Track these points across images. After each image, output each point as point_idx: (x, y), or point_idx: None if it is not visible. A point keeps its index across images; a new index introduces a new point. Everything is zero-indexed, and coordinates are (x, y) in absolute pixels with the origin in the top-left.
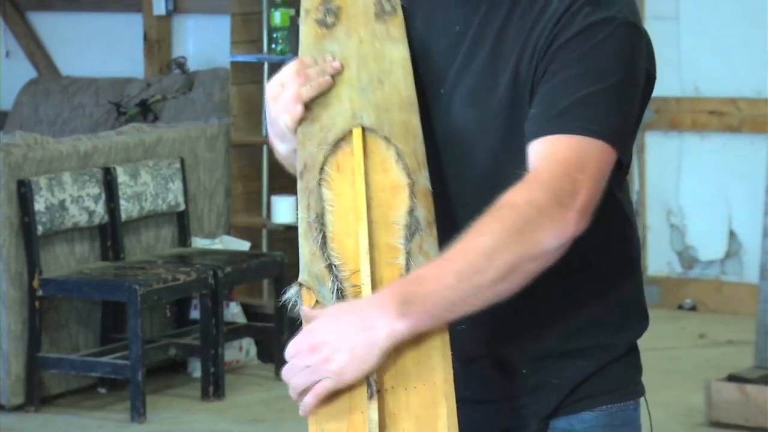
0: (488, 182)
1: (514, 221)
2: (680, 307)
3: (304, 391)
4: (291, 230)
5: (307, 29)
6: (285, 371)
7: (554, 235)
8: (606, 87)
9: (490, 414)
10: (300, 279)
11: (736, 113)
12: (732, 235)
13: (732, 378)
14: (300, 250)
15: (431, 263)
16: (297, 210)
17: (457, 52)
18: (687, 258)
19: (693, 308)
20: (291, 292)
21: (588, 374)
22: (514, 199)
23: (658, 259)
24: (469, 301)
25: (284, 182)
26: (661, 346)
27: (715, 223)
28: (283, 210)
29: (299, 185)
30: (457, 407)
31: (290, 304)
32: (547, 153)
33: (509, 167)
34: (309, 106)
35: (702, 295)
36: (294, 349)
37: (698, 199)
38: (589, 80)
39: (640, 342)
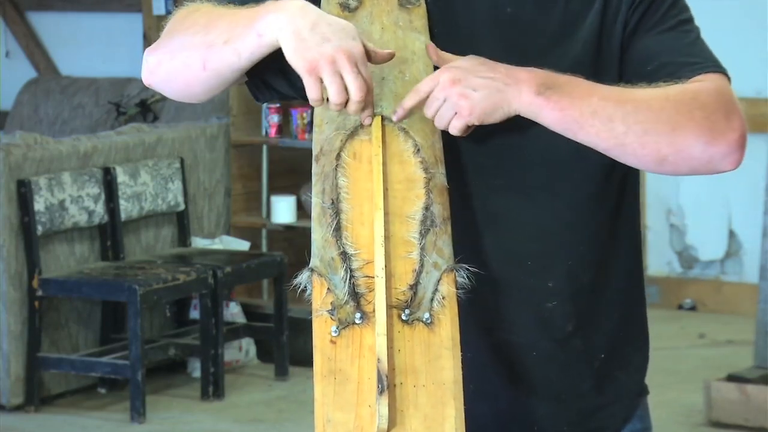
0: (569, 166)
1: (688, 104)
2: (680, 307)
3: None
4: (291, 230)
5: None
6: (429, 104)
7: (708, 144)
8: (695, 31)
9: None
10: (311, 264)
11: None
12: (732, 235)
13: (732, 378)
14: (312, 235)
15: (594, 83)
16: (296, 209)
17: (513, 32)
18: (687, 258)
19: (693, 308)
20: (302, 278)
21: (627, 415)
22: (706, 91)
23: (657, 259)
24: (591, 130)
25: (284, 182)
26: (661, 346)
27: (715, 222)
28: (283, 210)
29: (314, 169)
30: None
31: (300, 290)
32: (706, 83)
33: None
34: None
35: (702, 295)
36: (432, 81)
37: (698, 198)
38: (685, 27)
39: None
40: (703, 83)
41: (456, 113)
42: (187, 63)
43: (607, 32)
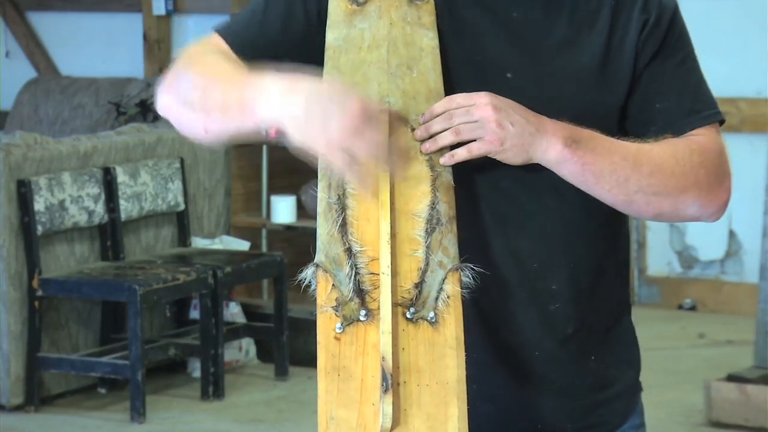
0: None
1: (695, 168)
2: (680, 307)
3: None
4: (291, 230)
5: (336, 4)
6: (444, 117)
7: (702, 206)
8: (698, 65)
9: None
10: (316, 260)
11: (736, 113)
12: (732, 234)
13: (732, 378)
14: (318, 230)
15: (612, 139)
16: (296, 209)
17: (520, 36)
18: (687, 258)
19: (693, 308)
20: (306, 273)
21: (626, 411)
22: (710, 154)
23: (658, 259)
24: (605, 186)
25: (284, 182)
26: (661, 346)
27: (715, 222)
28: (282, 210)
29: (320, 164)
30: None
31: (304, 285)
32: (704, 141)
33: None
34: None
35: (702, 295)
36: (470, 99)
37: None
38: (691, 63)
39: (640, 342)
40: (707, 142)
41: (483, 138)
42: (190, 122)
43: (615, 49)
